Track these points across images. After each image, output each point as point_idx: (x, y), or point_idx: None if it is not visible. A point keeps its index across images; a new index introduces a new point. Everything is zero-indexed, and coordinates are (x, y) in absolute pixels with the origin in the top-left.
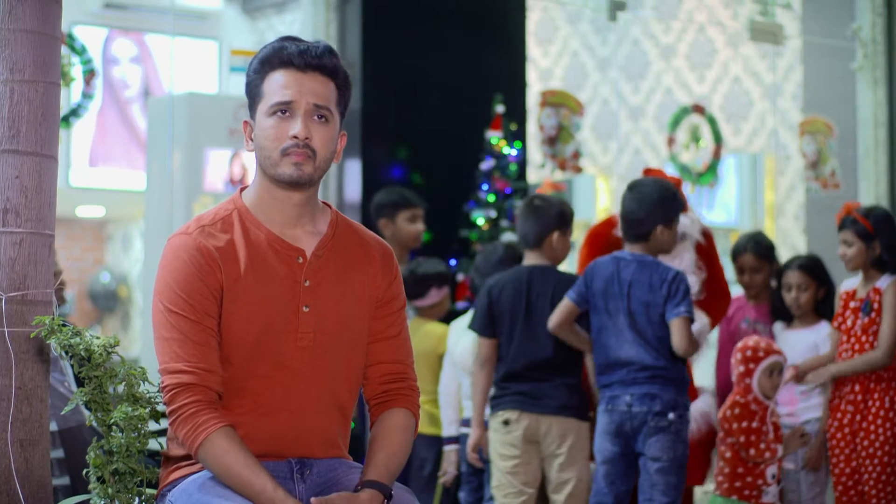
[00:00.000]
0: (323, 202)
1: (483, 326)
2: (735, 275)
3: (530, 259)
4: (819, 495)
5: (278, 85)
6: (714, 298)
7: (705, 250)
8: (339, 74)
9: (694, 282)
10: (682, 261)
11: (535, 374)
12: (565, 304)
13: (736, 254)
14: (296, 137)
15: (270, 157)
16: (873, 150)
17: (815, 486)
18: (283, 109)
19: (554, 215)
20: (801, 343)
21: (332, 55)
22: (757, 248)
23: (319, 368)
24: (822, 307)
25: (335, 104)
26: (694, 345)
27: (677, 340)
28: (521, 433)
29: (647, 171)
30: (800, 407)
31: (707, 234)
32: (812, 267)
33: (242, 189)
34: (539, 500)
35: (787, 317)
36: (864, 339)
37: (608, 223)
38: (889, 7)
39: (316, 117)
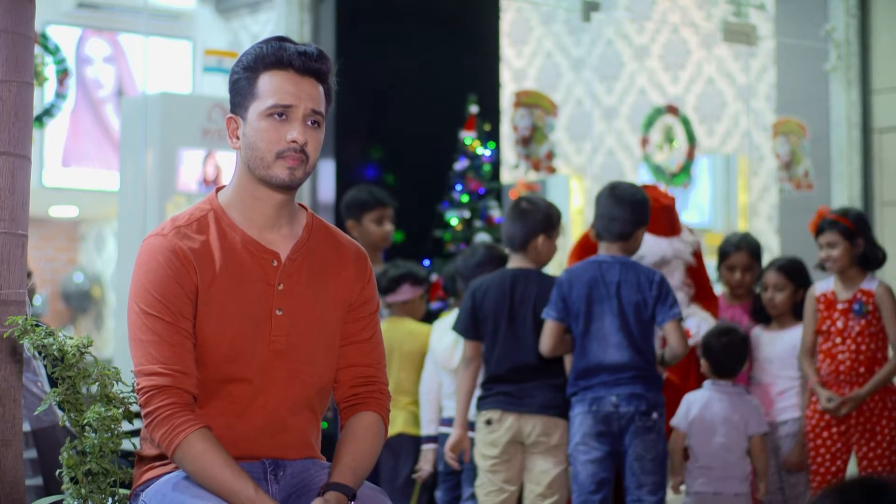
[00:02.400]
0: (299, 204)
1: (466, 328)
2: (722, 273)
3: (515, 262)
4: (802, 494)
5: (276, 86)
6: (706, 303)
7: (695, 269)
8: (329, 80)
9: (682, 299)
10: (672, 279)
11: (518, 376)
12: (550, 326)
13: (727, 252)
14: (294, 142)
15: (264, 159)
16: (846, 151)
17: (797, 487)
18: (281, 112)
19: (540, 219)
20: (780, 344)
21: (327, 60)
22: (750, 247)
23: (293, 371)
24: (800, 309)
25: (324, 109)
26: (687, 345)
27: (675, 342)
28: (503, 433)
29: (645, 188)
30: (777, 408)
31: (698, 255)
32: (790, 268)
33: (218, 189)
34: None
35: (767, 319)
36: (860, 340)
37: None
38: (862, 8)
39: (310, 122)
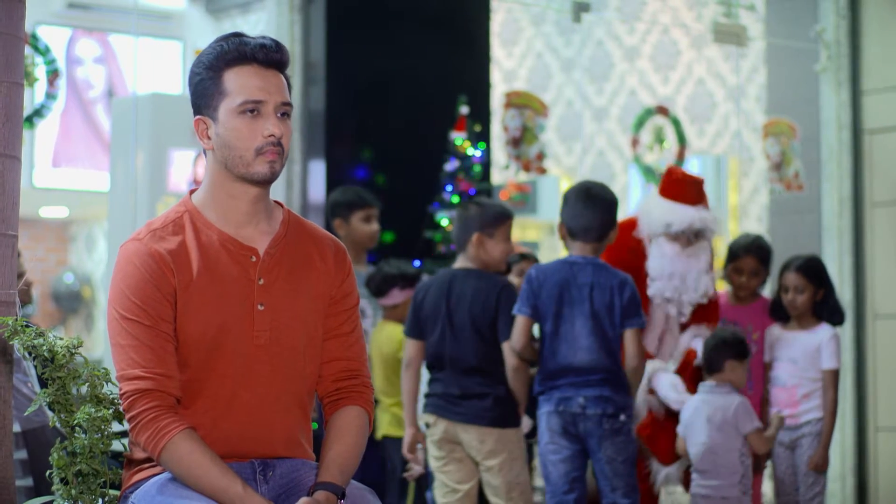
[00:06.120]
0: (275, 201)
1: (410, 328)
2: (728, 274)
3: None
4: (818, 495)
5: (243, 82)
6: (712, 306)
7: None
8: (287, 68)
9: (709, 282)
10: (700, 261)
11: (456, 378)
12: (522, 322)
13: (736, 255)
14: (272, 136)
15: (243, 157)
16: (837, 152)
17: (814, 487)
18: (252, 108)
19: (476, 219)
20: (800, 345)
21: (285, 50)
22: (760, 253)
23: (277, 366)
24: (820, 309)
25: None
26: (643, 357)
27: (631, 351)
28: (438, 437)
29: (672, 169)
30: (801, 409)
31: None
32: (810, 269)
33: (192, 191)
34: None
35: (784, 318)
36: None
37: (629, 225)
38: (853, 9)
39: (280, 115)
